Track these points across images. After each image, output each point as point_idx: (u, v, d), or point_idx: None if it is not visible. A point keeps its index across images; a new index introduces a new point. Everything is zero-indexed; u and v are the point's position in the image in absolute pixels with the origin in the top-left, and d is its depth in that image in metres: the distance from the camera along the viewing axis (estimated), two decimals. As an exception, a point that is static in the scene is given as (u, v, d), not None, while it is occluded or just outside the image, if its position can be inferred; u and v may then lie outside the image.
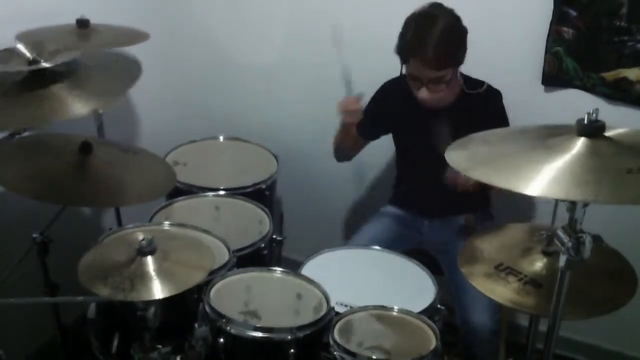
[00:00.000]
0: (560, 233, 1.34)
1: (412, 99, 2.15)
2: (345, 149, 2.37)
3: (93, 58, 1.86)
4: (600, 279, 1.57)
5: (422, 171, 2.25)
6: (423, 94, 2.04)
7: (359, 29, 2.51)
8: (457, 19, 2.02)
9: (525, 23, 2.26)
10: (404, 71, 2.08)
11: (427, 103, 2.08)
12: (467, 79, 2.16)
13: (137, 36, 2.19)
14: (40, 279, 1.98)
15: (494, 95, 2.18)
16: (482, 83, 2.15)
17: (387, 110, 2.29)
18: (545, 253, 1.59)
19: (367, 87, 2.39)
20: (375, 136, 2.37)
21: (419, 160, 2.27)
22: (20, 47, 1.75)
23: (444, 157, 1.43)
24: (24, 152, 1.81)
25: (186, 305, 1.83)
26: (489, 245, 1.71)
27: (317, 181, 2.83)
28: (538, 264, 1.59)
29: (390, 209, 2.43)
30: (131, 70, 1.80)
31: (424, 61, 1.96)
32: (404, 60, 2.05)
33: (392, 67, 2.24)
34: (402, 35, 2.01)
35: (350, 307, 1.84)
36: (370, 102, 2.30)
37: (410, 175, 2.38)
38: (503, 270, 1.59)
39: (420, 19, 1.99)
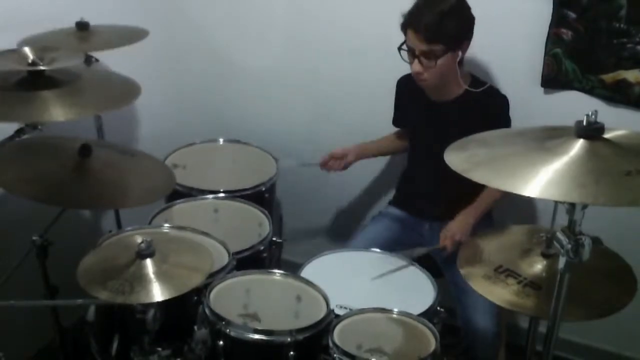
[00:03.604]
0: (559, 235, 1.34)
1: (420, 94, 2.22)
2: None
3: (95, 73, 1.88)
4: (599, 281, 1.57)
5: (424, 171, 2.27)
6: (415, 66, 2.09)
7: (354, 33, 2.52)
8: (465, 6, 2.07)
9: (524, 25, 2.26)
10: (403, 56, 2.11)
11: (420, 80, 2.12)
12: (475, 80, 2.19)
13: (137, 34, 2.19)
14: (40, 282, 1.98)
15: (500, 98, 2.19)
16: (484, 83, 2.18)
17: (404, 103, 2.37)
18: (545, 255, 1.59)
19: (366, 89, 2.40)
20: (404, 125, 2.45)
21: (422, 159, 2.29)
22: (26, 49, 1.77)
23: (444, 157, 1.43)
24: (24, 155, 1.81)
25: (186, 308, 1.82)
26: (489, 247, 1.71)
27: (317, 183, 2.82)
28: (537, 266, 1.59)
29: (391, 210, 2.44)
30: (129, 92, 1.81)
31: (417, 30, 2.04)
32: (405, 33, 2.10)
33: (390, 68, 2.25)
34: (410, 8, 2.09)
35: (350, 309, 1.84)
36: (395, 95, 2.41)
37: (413, 175, 2.40)
38: (502, 272, 1.59)
39: None
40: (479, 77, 2.23)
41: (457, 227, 2.15)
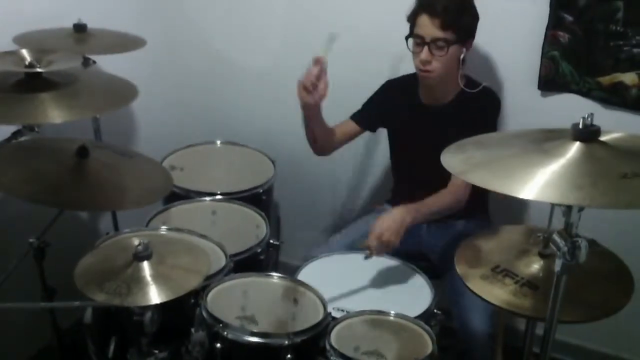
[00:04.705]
0: (556, 237, 1.34)
1: (413, 97, 2.21)
2: (317, 143, 2.27)
3: (92, 75, 1.89)
4: (596, 282, 1.57)
5: (419, 173, 2.26)
6: (424, 54, 2.07)
7: (354, 33, 2.52)
8: (474, 4, 2.09)
9: (522, 27, 2.26)
10: (410, 46, 2.10)
11: (425, 71, 2.10)
12: (469, 80, 2.20)
13: (134, 43, 2.20)
14: (37, 283, 1.98)
15: (490, 100, 2.19)
16: (479, 84, 2.18)
17: (388, 105, 2.33)
18: (542, 255, 1.59)
19: (363, 90, 2.40)
20: (373, 128, 2.39)
21: (416, 162, 2.29)
22: (23, 51, 1.77)
23: (441, 159, 1.43)
24: (21, 156, 1.80)
25: (183, 310, 1.82)
26: (486, 247, 1.72)
27: (314, 186, 2.83)
28: (534, 266, 1.59)
29: (388, 208, 2.43)
30: (126, 94, 1.81)
31: (433, 15, 2.03)
32: (412, 22, 2.09)
33: (390, 69, 2.25)
34: None
35: (347, 312, 1.84)
36: (374, 94, 2.35)
37: (408, 177, 2.39)
38: (500, 272, 1.59)
39: None
40: (476, 79, 2.23)
41: (388, 226, 1.96)
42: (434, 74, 2.10)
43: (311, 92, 2.02)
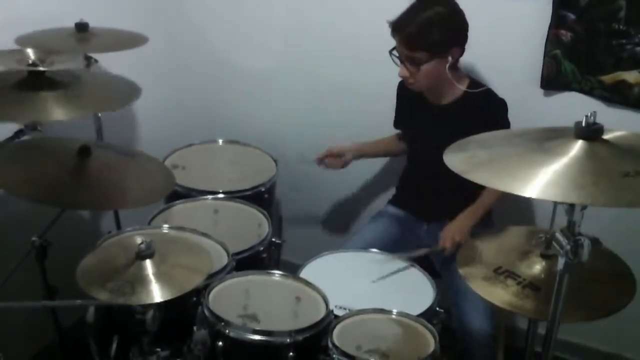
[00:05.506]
0: (558, 236, 1.34)
1: (419, 97, 2.23)
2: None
3: (94, 74, 1.90)
4: (599, 282, 1.57)
5: (423, 172, 2.27)
6: (401, 71, 2.13)
7: (355, 34, 2.52)
8: (455, 14, 2.06)
9: (524, 26, 2.26)
10: (395, 60, 2.13)
11: (408, 84, 2.16)
12: (472, 82, 2.20)
13: (136, 40, 2.20)
14: (39, 283, 1.98)
15: (498, 101, 2.19)
16: (482, 85, 2.19)
17: (402, 105, 2.38)
18: (544, 256, 1.59)
19: (366, 91, 2.40)
20: (403, 127, 2.45)
21: (421, 161, 2.30)
22: (28, 51, 1.77)
23: (443, 158, 1.43)
24: (23, 156, 1.81)
25: (185, 309, 1.83)
26: (488, 248, 1.71)
27: (316, 184, 2.83)
28: (537, 267, 1.58)
29: (391, 209, 2.45)
30: (128, 93, 1.82)
31: (400, 38, 2.07)
32: (394, 39, 2.11)
33: (389, 70, 2.25)
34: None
35: (349, 310, 1.84)
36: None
37: (412, 176, 2.41)
38: (502, 273, 1.59)
39: (419, 2, 2.08)
40: (478, 79, 2.23)
41: (456, 228, 2.14)
42: (417, 86, 2.15)
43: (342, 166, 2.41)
